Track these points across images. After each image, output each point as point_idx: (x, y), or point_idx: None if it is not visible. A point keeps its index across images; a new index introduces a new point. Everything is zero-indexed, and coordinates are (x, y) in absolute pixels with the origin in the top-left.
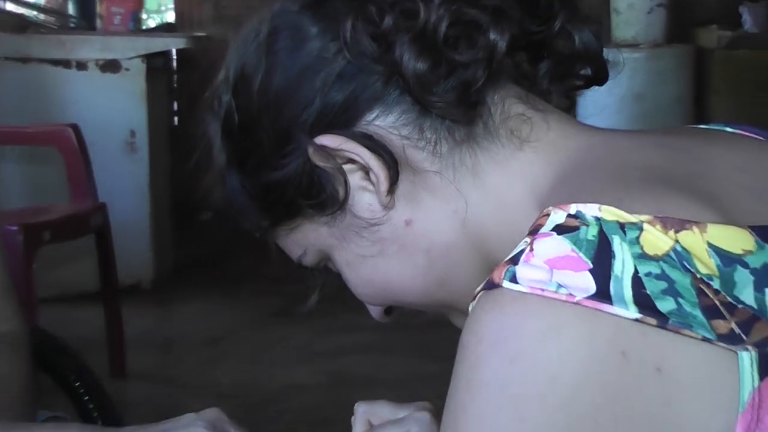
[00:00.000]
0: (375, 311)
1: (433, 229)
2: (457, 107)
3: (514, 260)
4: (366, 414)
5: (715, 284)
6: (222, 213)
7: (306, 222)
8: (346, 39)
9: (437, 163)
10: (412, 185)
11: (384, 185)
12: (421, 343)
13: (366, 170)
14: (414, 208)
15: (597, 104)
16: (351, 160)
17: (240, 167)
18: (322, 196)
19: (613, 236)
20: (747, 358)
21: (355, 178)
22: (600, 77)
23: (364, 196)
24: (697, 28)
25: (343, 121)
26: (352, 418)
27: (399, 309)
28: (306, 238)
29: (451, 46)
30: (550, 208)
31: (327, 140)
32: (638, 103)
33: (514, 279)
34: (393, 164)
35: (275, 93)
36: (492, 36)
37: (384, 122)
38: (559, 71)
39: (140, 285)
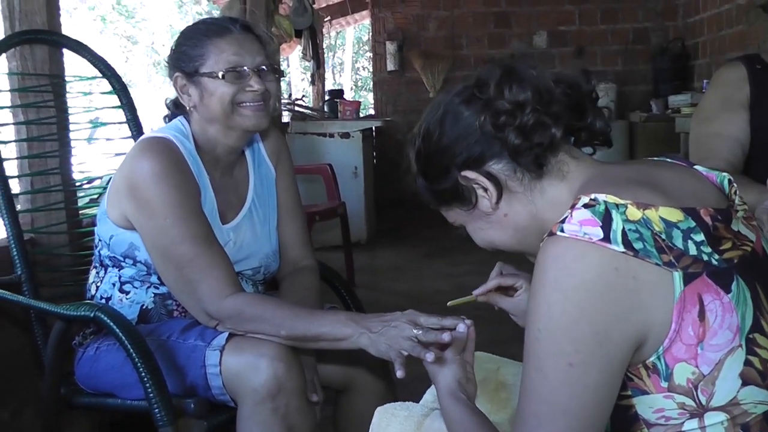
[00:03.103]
0: (484, 248)
1: (518, 218)
2: (532, 164)
3: (563, 221)
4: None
5: (663, 236)
6: (415, 194)
7: (455, 208)
8: (481, 123)
9: (522, 187)
10: (508, 197)
11: (494, 198)
12: None
13: (485, 189)
14: (508, 208)
15: None
16: (479, 184)
17: (423, 176)
18: (463, 199)
19: (612, 210)
20: (677, 275)
21: (480, 192)
22: (607, 144)
23: (483, 201)
24: (629, 111)
25: (477, 164)
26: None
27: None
28: (454, 215)
29: (532, 133)
30: (580, 195)
31: (468, 173)
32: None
33: (562, 230)
34: (499, 188)
35: (443, 145)
36: (553, 130)
37: (497, 166)
38: (586, 138)
39: (360, 241)
